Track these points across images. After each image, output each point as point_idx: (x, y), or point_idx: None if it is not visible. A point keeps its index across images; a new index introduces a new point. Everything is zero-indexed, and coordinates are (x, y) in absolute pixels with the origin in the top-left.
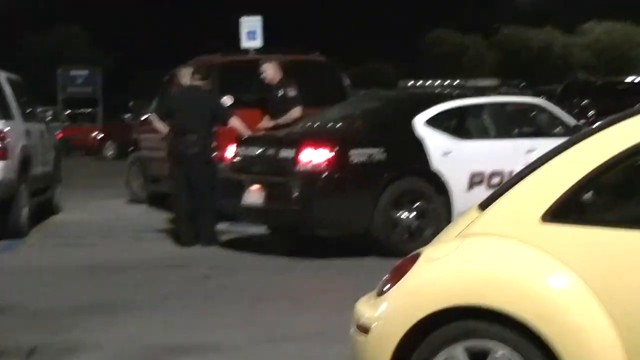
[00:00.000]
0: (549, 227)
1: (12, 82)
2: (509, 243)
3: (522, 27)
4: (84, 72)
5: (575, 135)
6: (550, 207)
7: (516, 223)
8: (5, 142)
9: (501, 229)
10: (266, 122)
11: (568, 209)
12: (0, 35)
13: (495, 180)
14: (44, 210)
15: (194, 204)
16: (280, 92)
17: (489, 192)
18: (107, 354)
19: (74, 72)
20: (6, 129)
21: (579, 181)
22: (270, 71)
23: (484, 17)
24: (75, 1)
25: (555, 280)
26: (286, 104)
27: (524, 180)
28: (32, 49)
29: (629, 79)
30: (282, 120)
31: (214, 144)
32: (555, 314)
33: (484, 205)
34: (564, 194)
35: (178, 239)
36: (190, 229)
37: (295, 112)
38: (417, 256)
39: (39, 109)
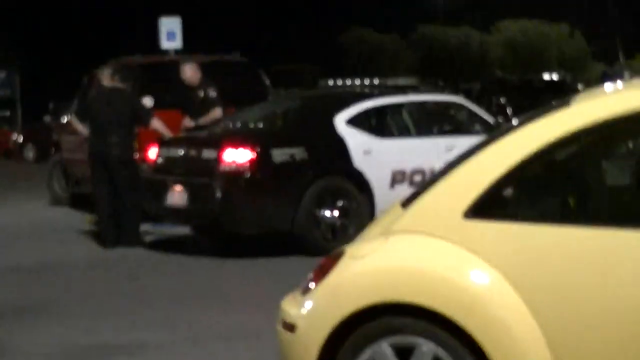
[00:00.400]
0: (471, 223)
1: None
2: (432, 240)
3: (438, 26)
4: (1, 74)
5: (494, 133)
6: (472, 204)
7: (438, 220)
8: None
9: (423, 226)
10: (187, 123)
11: (489, 205)
12: None
13: (417, 178)
14: None
15: (116, 205)
16: (201, 93)
17: (411, 190)
18: (31, 357)
19: None
20: None
21: (500, 177)
22: (189, 72)
23: (399, 17)
24: None
25: (477, 275)
26: (207, 105)
27: (445, 177)
28: None
29: (545, 77)
30: (203, 121)
31: (135, 145)
32: (477, 307)
33: (406, 203)
34: (485, 190)
35: (101, 241)
36: (113, 230)
37: (216, 112)
38: (341, 254)
39: None
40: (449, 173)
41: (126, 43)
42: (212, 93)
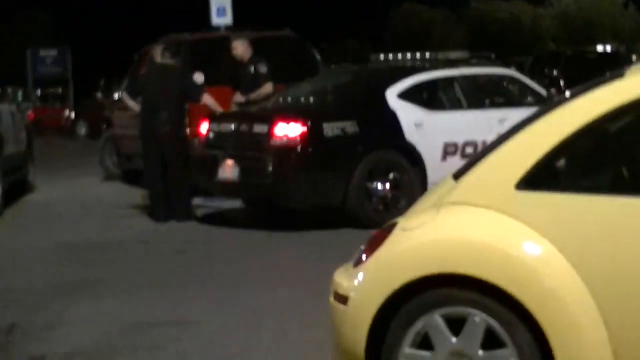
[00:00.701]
0: (523, 195)
1: None
2: (484, 211)
3: (490, 0)
4: (53, 52)
5: (546, 104)
6: (524, 175)
7: (490, 191)
8: None
9: (475, 198)
10: (238, 99)
11: (542, 177)
12: None
13: (469, 150)
14: (18, 189)
15: (167, 180)
16: (251, 69)
17: (463, 162)
18: (84, 330)
19: (43, 53)
20: None
21: (552, 149)
22: (240, 48)
23: None
24: None
25: (530, 246)
26: (257, 81)
27: (497, 149)
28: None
29: (598, 49)
30: (253, 96)
31: (185, 121)
32: (531, 279)
33: (458, 175)
34: (538, 161)
35: (153, 216)
36: (164, 206)
37: (267, 88)
38: (393, 226)
39: (9, 90)
40: (501, 145)
41: (177, 19)
42: (263, 68)
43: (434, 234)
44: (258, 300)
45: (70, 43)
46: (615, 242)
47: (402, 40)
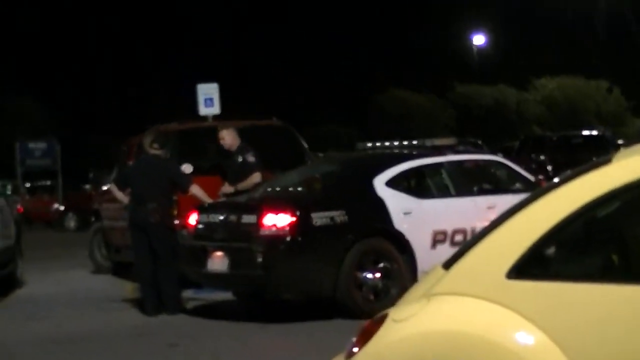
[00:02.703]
0: (515, 284)
1: None
2: (475, 301)
3: (474, 85)
4: (42, 145)
5: (535, 191)
6: (515, 263)
7: (481, 281)
8: None
9: (466, 288)
10: (227, 188)
11: (533, 265)
12: None
13: (458, 238)
14: (6, 284)
15: (156, 272)
16: (239, 158)
17: (453, 250)
18: None
19: (32, 145)
20: None
21: (542, 236)
22: (228, 138)
23: (434, 76)
24: (24, 73)
25: (523, 336)
26: (245, 170)
27: (487, 237)
28: None
29: (583, 133)
30: (242, 186)
31: (174, 211)
32: None
33: (448, 264)
34: (528, 249)
35: (143, 308)
36: (154, 298)
37: (255, 177)
38: (384, 317)
39: None
40: (491, 233)
41: (166, 108)
42: (251, 158)
43: (425, 326)
44: None
45: (58, 135)
46: (608, 331)
47: (388, 124)
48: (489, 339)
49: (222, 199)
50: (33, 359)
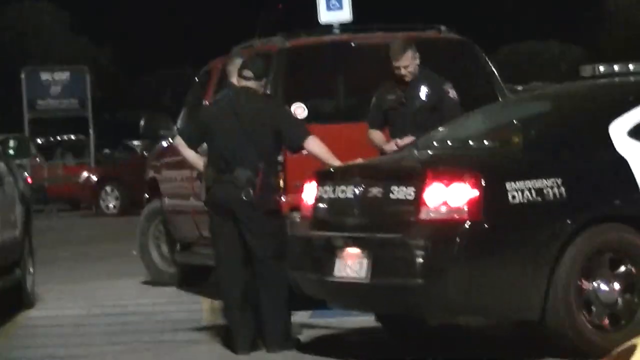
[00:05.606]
0: None
1: None
2: None
3: None
4: (63, 75)
5: None
6: None
7: None
8: None
9: None
10: (397, 144)
11: None
12: None
13: None
14: (10, 302)
15: (252, 285)
16: (425, 92)
17: None
18: None
19: (47, 76)
20: None
21: None
22: (411, 60)
23: None
24: None
25: None
26: (444, 111)
27: None
28: None
29: None
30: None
31: (279, 183)
32: None
33: None
34: None
35: (229, 343)
36: (247, 325)
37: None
38: (632, 350)
39: None
40: None
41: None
42: (452, 92)
43: None
44: None
45: (88, 59)
46: None
47: (635, 38)
48: None
49: (360, 162)
50: None
